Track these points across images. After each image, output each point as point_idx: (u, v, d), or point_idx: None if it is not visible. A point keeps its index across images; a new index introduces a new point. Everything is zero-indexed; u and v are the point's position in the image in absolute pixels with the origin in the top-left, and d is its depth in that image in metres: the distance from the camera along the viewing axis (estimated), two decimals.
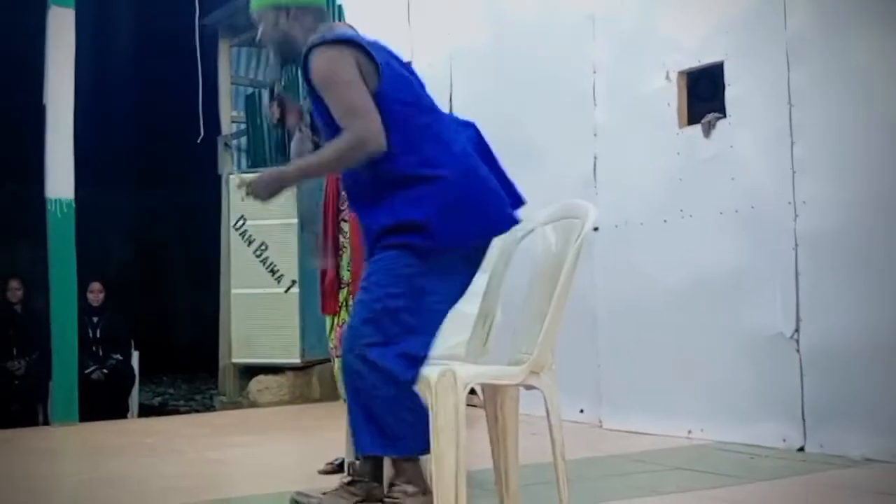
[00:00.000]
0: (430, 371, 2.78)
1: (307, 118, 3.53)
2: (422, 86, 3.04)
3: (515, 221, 2.98)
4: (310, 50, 2.89)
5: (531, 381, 2.92)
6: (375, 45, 2.94)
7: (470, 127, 3.10)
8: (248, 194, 3.06)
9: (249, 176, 3.07)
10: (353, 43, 2.87)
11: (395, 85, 2.88)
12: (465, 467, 2.72)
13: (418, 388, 2.80)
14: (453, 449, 2.72)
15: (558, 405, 2.94)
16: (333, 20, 7.39)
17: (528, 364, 2.90)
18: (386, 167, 2.84)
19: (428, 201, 2.83)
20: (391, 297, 2.83)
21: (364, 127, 2.78)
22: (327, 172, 2.87)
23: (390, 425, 2.80)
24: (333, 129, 2.88)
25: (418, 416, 2.77)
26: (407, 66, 3.07)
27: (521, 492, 3.16)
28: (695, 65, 4.88)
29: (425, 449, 2.78)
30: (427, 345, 2.84)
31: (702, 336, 4.73)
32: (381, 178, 2.87)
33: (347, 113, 2.81)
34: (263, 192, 3.02)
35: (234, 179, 3.14)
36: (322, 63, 2.85)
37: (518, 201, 3.05)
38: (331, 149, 2.86)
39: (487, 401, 3.14)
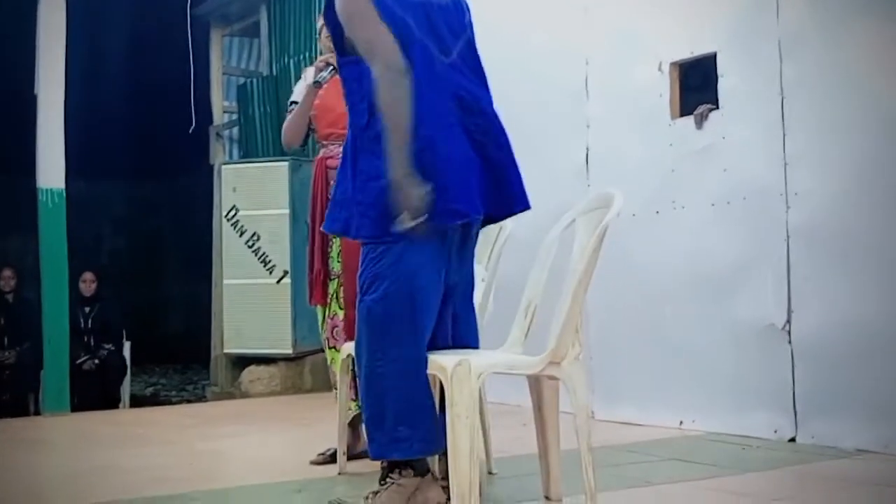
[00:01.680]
0: (445, 360, 2.80)
1: None
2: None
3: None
4: None
5: (551, 371, 2.93)
6: (403, 4, 2.94)
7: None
8: (416, 217, 2.83)
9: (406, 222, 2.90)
10: None
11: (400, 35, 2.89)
12: (478, 454, 2.78)
13: (433, 376, 2.84)
14: (469, 437, 2.74)
15: (584, 396, 2.94)
16: None
17: (546, 354, 2.90)
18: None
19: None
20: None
21: (380, 60, 2.83)
22: (396, 122, 2.81)
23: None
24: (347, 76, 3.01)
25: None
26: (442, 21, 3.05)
27: (509, 482, 3.17)
28: (687, 56, 4.88)
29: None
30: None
31: (694, 327, 4.74)
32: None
33: (367, 51, 2.88)
34: (416, 199, 2.80)
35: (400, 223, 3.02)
36: (343, 4, 2.92)
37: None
38: (377, 101, 2.85)
39: (531, 391, 3.17)
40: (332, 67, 4.13)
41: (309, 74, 4.35)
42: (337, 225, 3.07)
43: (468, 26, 3.14)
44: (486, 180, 3.00)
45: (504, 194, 3.07)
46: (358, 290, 2.98)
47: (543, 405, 3.16)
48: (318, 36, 4.52)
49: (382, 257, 2.91)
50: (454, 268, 3.05)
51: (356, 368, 3.03)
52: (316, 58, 7.78)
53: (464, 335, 3.14)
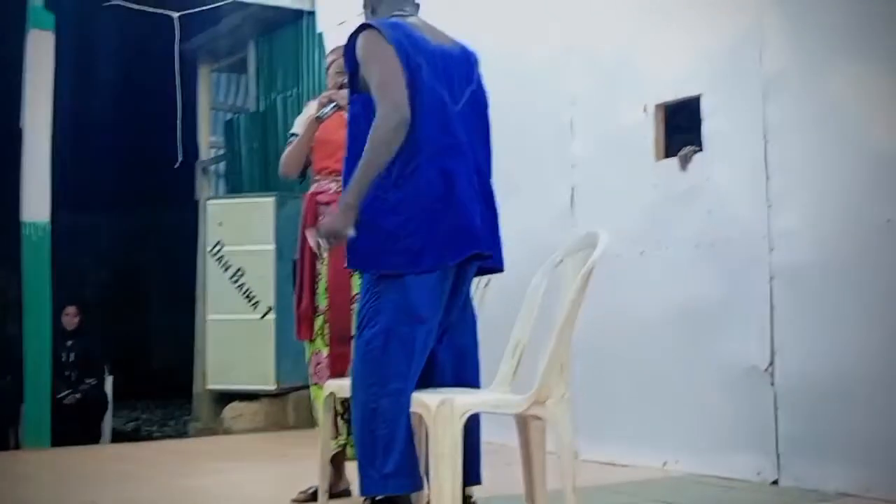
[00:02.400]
0: (429, 399, 2.80)
1: None
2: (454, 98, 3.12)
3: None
4: (358, 30, 3.07)
5: (536, 411, 2.93)
6: (417, 47, 3.05)
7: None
8: (330, 241, 3.04)
9: (320, 239, 3.15)
10: (393, 35, 3.02)
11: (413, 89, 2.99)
12: (460, 494, 2.77)
13: (416, 415, 2.85)
14: (451, 477, 2.75)
15: (569, 437, 2.94)
16: (319, 48, 7.49)
17: (531, 394, 2.91)
18: None
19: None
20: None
21: (387, 103, 2.91)
22: (375, 163, 2.90)
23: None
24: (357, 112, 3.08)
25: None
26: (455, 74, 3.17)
27: None
28: (672, 98, 4.92)
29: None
30: None
31: (677, 368, 4.75)
32: None
33: (377, 90, 2.95)
34: (342, 225, 2.95)
35: (311, 239, 3.31)
36: (364, 42, 3.04)
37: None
38: (367, 140, 2.92)
39: (518, 431, 3.17)
40: (334, 104, 4.19)
41: (311, 108, 4.39)
42: (347, 259, 3.12)
43: (477, 79, 3.26)
44: (486, 226, 3.09)
45: (491, 235, 3.15)
46: (357, 323, 3.04)
47: (530, 445, 3.15)
48: (326, 70, 4.58)
49: (383, 291, 2.96)
50: (454, 304, 3.09)
51: (351, 403, 3.04)
52: (303, 94, 7.88)
53: (468, 373, 3.18)
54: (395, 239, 2.94)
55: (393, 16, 3.17)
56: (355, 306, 4.14)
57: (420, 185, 2.95)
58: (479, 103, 3.24)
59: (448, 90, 3.09)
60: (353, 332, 4.11)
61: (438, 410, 2.76)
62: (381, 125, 2.90)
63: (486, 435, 4.54)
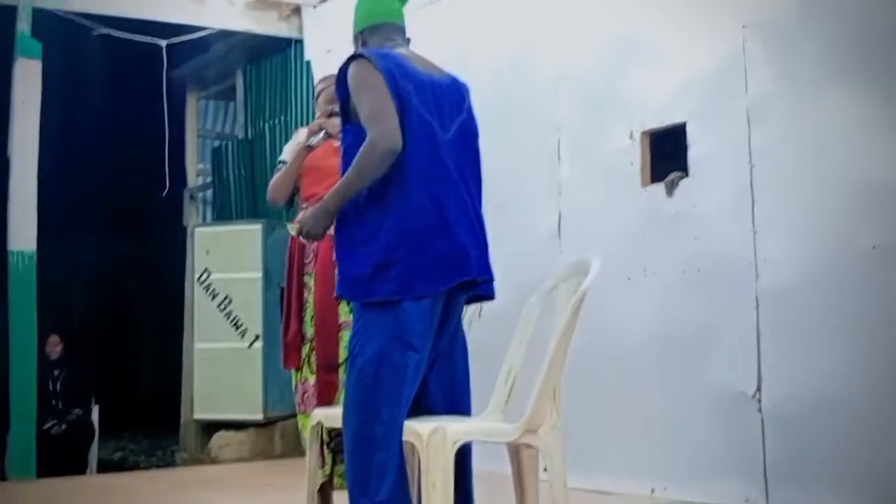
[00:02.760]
0: (421, 427, 2.79)
1: None
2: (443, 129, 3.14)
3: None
4: (350, 59, 3.10)
5: (528, 440, 2.92)
6: (406, 76, 3.07)
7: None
8: (302, 236, 3.19)
9: (295, 226, 3.28)
10: (383, 64, 3.04)
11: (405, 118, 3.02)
12: None
13: (408, 444, 2.85)
14: None
15: (560, 465, 2.94)
16: (307, 76, 7.52)
17: (522, 422, 2.90)
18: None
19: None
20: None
21: (379, 130, 2.93)
22: (359, 182, 2.98)
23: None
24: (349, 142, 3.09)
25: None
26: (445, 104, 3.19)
27: None
28: (658, 125, 4.94)
29: None
30: None
31: (664, 394, 4.74)
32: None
33: (368, 119, 2.98)
34: (318, 228, 3.12)
35: (292, 228, 3.49)
36: (356, 71, 3.07)
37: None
38: (355, 159, 2.97)
39: (510, 459, 3.16)
40: (324, 132, 4.20)
41: (301, 135, 4.40)
42: (337, 288, 3.15)
43: (467, 108, 3.28)
44: (473, 246, 3.10)
45: (482, 262, 3.16)
46: (349, 351, 3.04)
47: (523, 472, 3.14)
48: (315, 99, 4.58)
49: (374, 319, 2.97)
50: (446, 331, 3.10)
51: (343, 430, 3.03)
52: (291, 121, 7.89)
53: (460, 400, 3.18)
54: (385, 266, 2.95)
55: (383, 47, 3.19)
56: (342, 334, 4.14)
57: (410, 212, 2.97)
58: (468, 133, 3.25)
59: (438, 119, 3.10)
60: (341, 359, 4.14)
61: (430, 438, 2.76)
62: (369, 151, 2.92)
63: (475, 463, 4.53)
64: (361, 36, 3.30)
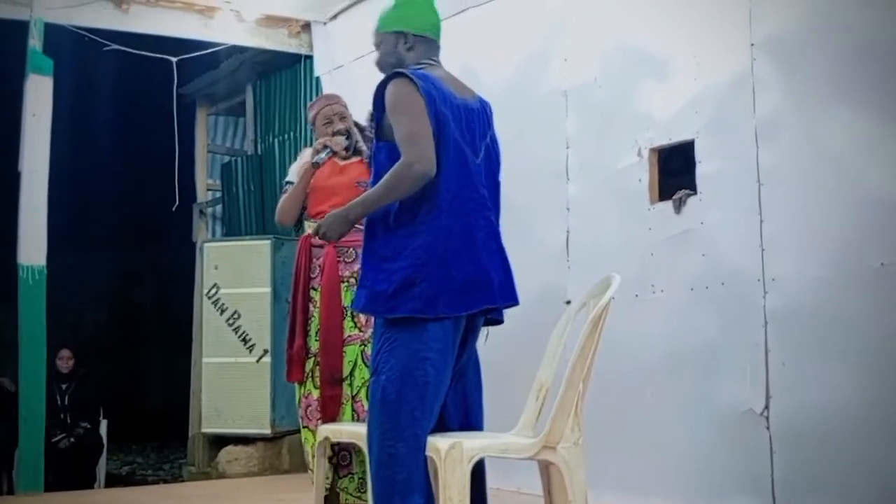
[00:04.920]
0: (440, 442, 2.80)
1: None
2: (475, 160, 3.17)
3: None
4: (391, 77, 3.09)
5: (546, 456, 2.92)
6: (444, 100, 3.09)
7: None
8: (319, 236, 3.25)
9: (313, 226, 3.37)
10: (425, 86, 3.04)
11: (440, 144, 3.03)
12: None
13: (429, 458, 2.87)
14: None
15: (580, 482, 2.93)
16: (316, 92, 7.55)
17: (540, 438, 2.90)
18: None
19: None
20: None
21: (417, 153, 2.93)
22: (386, 199, 3.02)
23: None
24: (375, 158, 3.13)
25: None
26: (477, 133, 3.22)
27: None
28: (666, 142, 4.95)
29: None
30: None
31: (672, 412, 4.73)
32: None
33: (405, 139, 2.98)
34: (334, 232, 3.18)
35: (309, 226, 3.58)
36: (398, 90, 3.05)
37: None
38: (387, 175, 2.98)
39: (541, 475, 3.17)
40: (329, 149, 4.23)
41: (306, 155, 4.42)
42: (358, 303, 3.14)
43: (491, 134, 3.33)
44: (499, 272, 3.13)
45: (508, 288, 3.20)
46: (372, 368, 3.06)
47: (553, 488, 3.12)
48: (311, 123, 4.59)
49: (397, 337, 2.99)
50: (464, 352, 3.15)
51: (367, 448, 3.04)
52: (300, 137, 7.92)
53: (473, 417, 3.20)
54: (410, 284, 2.97)
55: (421, 64, 3.19)
56: (347, 348, 4.16)
57: (440, 234, 2.99)
58: (492, 159, 3.29)
59: (470, 145, 3.14)
60: (345, 373, 4.16)
61: (448, 454, 2.77)
62: (404, 172, 2.95)
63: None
64: (407, 38, 3.24)
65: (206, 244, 8.13)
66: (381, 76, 3.18)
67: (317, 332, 4.17)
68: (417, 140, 2.96)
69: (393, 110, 3.04)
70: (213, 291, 7.67)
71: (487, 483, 3.39)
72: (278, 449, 7.39)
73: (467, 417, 3.19)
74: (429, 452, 2.87)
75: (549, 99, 5.63)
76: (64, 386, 8.47)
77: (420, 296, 2.95)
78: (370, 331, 3.78)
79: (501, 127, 5.83)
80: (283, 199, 4.42)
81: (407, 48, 3.23)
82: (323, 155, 4.22)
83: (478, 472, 3.01)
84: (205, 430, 7.84)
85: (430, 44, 3.26)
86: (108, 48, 7.21)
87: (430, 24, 3.28)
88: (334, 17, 7.55)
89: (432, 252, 2.98)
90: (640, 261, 4.97)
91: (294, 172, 4.45)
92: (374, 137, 3.22)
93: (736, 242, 4.52)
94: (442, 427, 3.09)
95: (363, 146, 4.33)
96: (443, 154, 3.00)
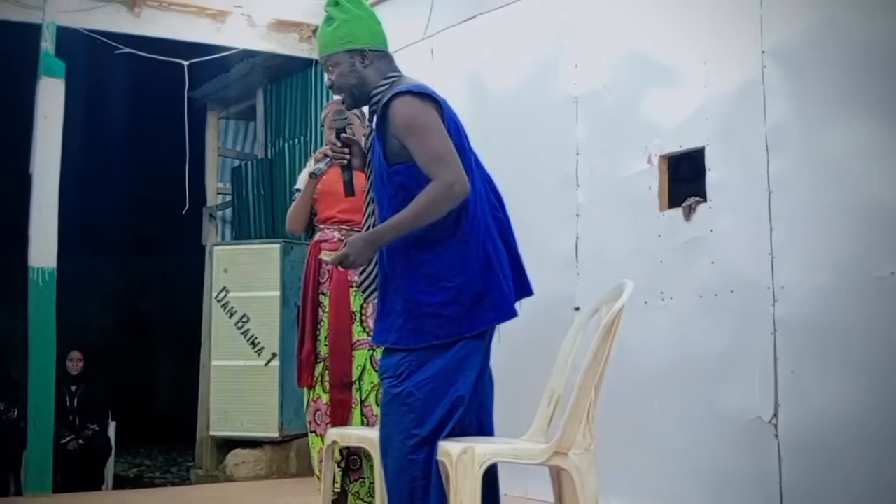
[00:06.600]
0: (452, 447, 2.80)
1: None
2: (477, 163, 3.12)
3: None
4: (394, 96, 2.95)
5: (557, 462, 2.91)
6: (451, 110, 3.05)
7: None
8: (346, 266, 3.01)
9: (333, 254, 3.21)
10: (434, 99, 2.98)
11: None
12: None
13: (441, 463, 2.85)
14: None
15: (592, 489, 2.91)
16: (326, 96, 7.55)
17: (551, 444, 2.90)
18: None
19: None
20: None
21: (452, 172, 2.85)
22: (422, 222, 2.88)
23: None
24: (391, 181, 2.98)
25: None
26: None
27: None
28: (676, 149, 4.95)
29: None
30: None
31: (680, 419, 4.73)
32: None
33: (435, 160, 2.87)
34: (364, 259, 2.98)
35: (325, 256, 3.46)
36: (410, 109, 2.93)
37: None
38: (422, 197, 2.87)
39: (552, 481, 3.16)
40: (328, 159, 4.21)
41: (312, 164, 4.44)
42: (392, 335, 3.01)
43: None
44: (513, 271, 3.11)
45: (521, 282, 3.18)
46: (396, 375, 2.96)
47: (564, 494, 3.11)
48: (323, 123, 4.59)
49: (425, 355, 2.93)
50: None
51: (382, 455, 3.00)
52: (311, 141, 7.94)
53: (484, 423, 3.17)
54: (441, 307, 2.92)
55: (389, 77, 3.05)
56: (356, 353, 4.17)
57: (463, 255, 2.94)
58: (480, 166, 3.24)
59: (472, 153, 3.09)
60: (354, 377, 4.16)
61: (459, 459, 2.77)
62: (443, 193, 2.84)
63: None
64: (364, 55, 3.06)
65: (216, 247, 8.15)
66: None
67: (326, 337, 4.18)
68: (448, 159, 2.87)
69: (410, 131, 2.91)
70: (223, 295, 7.69)
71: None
72: (286, 453, 7.40)
73: (480, 423, 3.18)
74: (440, 457, 2.86)
75: (559, 105, 5.63)
76: (73, 388, 8.49)
77: (450, 321, 2.91)
78: None
79: (511, 133, 5.87)
80: (291, 207, 4.44)
81: (365, 65, 3.05)
82: (322, 165, 4.20)
83: (490, 478, 2.98)
84: (213, 433, 7.85)
85: (387, 56, 3.12)
86: (119, 51, 7.24)
87: (381, 35, 3.12)
88: None
89: (460, 274, 2.92)
90: (650, 268, 4.96)
91: (302, 180, 4.46)
92: (384, 161, 3.01)
93: (745, 250, 4.51)
94: (461, 433, 3.05)
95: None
96: (467, 170, 2.93)
